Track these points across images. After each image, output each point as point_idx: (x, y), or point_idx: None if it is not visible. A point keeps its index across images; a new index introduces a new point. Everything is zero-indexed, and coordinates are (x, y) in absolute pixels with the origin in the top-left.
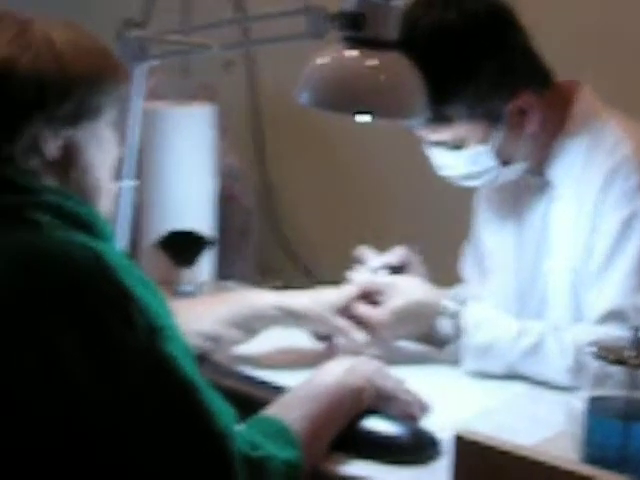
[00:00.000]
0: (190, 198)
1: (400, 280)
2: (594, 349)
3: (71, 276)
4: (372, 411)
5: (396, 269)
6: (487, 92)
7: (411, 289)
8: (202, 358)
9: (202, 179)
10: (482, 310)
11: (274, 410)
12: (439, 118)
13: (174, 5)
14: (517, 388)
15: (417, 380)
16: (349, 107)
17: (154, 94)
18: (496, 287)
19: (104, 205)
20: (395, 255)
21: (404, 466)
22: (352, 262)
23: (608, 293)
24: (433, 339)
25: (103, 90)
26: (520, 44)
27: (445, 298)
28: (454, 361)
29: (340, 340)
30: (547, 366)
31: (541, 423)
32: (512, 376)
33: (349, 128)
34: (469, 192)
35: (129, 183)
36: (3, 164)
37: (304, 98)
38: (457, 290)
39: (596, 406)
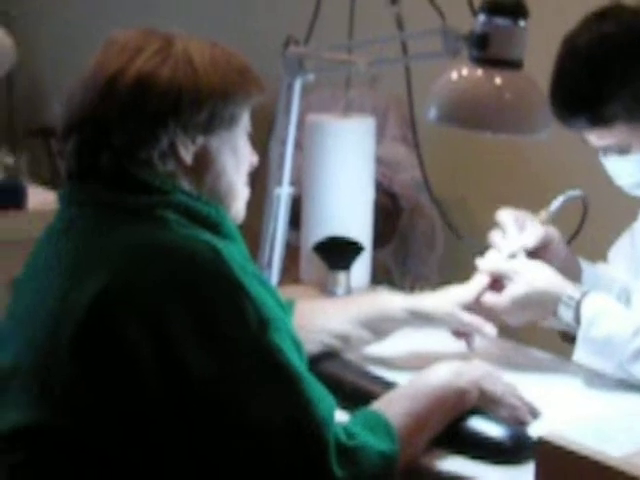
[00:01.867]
0: (348, 206)
1: (526, 266)
2: None
3: (190, 269)
4: (481, 413)
5: (533, 254)
6: None
7: (535, 276)
8: (332, 355)
9: (360, 189)
10: (602, 302)
11: (378, 405)
12: (599, 120)
13: (339, 22)
14: (633, 399)
15: (533, 385)
16: (475, 124)
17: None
18: None
19: (237, 207)
20: (533, 237)
21: (501, 466)
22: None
23: None
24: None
25: (235, 102)
26: None
27: (569, 287)
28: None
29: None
30: None
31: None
32: (630, 387)
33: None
34: None
35: (287, 190)
36: (141, 167)
37: (432, 114)
38: (597, 267)
39: None
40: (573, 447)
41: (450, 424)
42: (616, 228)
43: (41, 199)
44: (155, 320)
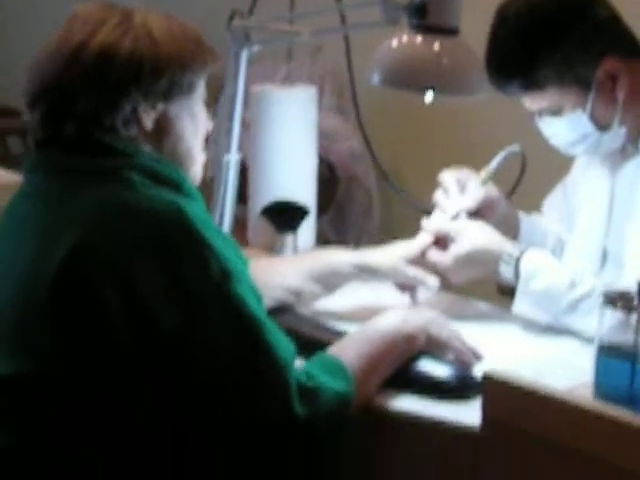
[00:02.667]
0: (293, 172)
1: (468, 227)
2: (605, 296)
3: (156, 225)
4: (428, 356)
5: (474, 213)
6: (573, 57)
7: (476, 236)
8: (285, 309)
9: (303, 156)
10: (539, 258)
11: (333, 350)
12: (532, 85)
13: None
14: (567, 341)
15: (476, 332)
16: (414, 86)
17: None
18: (581, 244)
19: (194, 170)
20: (473, 198)
21: (447, 402)
22: (436, 187)
23: None
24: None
25: (193, 70)
26: (605, 14)
27: (509, 245)
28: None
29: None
30: (586, 321)
31: (577, 372)
32: (566, 332)
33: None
34: None
35: (235, 156)
36: (106, 132)
37: (375, 78)
38: (532, 217)
39: (606, 350)
40: (516, 380)
41: (400, 367)
42: (552, 182)
43: (7, 178)
44: (124, 274)
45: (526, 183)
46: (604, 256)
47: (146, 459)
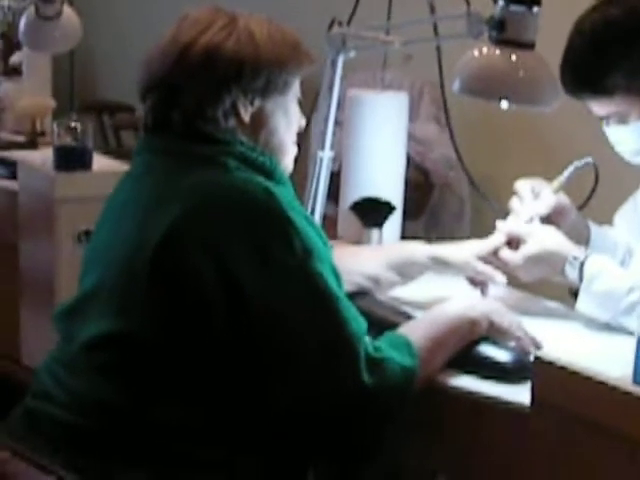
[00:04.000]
0: (382, 171)
1: (539, 230)
2: None
3: (247, 205)
4: (490, 341)
5: (546, 219)
6: None
7: (546, 238)
8: (364, 294)
9: (392, 157)
10: (602, 263)
11: (402, 329)
12: (601, 91)
13: (379, 6)
14: (625, 341)
15: (539, 325)
16: (490, 95)
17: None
18: None
19: (286, 161)
20: (546, 205)
21: (504, 384)
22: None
23: None
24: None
25: (288, 71)
26: None
27: (575, 249)
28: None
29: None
30: None
31: (629, 366)
32: (623, 331)
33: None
34: None
35: (328, 153)
36: (207, 122)
37: (456, 87)
38: (602, 228)
39: None
40: (563, 363)
41: (463, 349)
42: (625, 195)
43: (103, 164)
44: (217, 248)
45: (599, 195)
46: None
47: (229, 418)
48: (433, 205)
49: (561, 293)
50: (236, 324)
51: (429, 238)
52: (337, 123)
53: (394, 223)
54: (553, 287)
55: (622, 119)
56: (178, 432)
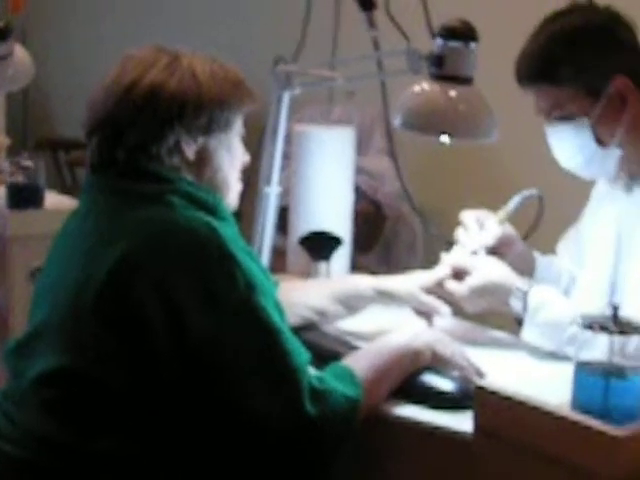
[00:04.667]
0: (329, 205)
1: (484, 261)
2: (582, 320)
3: (190, 242)
4: (433, 370)
5: (492, 248)
6: (591, 63)
7: (491, 271)
8: (311, 327)
9: (340, 191)
10: (545, 294)
11: (346, 360)
12: (550, 77)
13: (325, 44)
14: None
15: (485, 354)
16: (430, 130)
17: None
18: (589, 279)
19: (230, 197)
20: (491, 236)
21: (448, 412)
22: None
23: None
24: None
25: (230, 109)
26: (627, 37)
27: (519, 281)
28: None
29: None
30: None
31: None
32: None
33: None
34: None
35: (274, 189)
36: (151, 160)
37: (397, 122)
38: (547, 257)
39: (583, 368)
40: (505, 392)
41: (407, 379)
42: (568, 225)
43: (55, 201)
44: (162, 284)
45: (544, 226)
46: (612, 292)
47: (171, 452)
48: (386, 238)
49: (509, 322)
50: (181, 359)
51: (379, 271)
52: (286, 158)
53: (343, 256)
54: (501, 317)
55: (565, 114)
56: (121, 466)
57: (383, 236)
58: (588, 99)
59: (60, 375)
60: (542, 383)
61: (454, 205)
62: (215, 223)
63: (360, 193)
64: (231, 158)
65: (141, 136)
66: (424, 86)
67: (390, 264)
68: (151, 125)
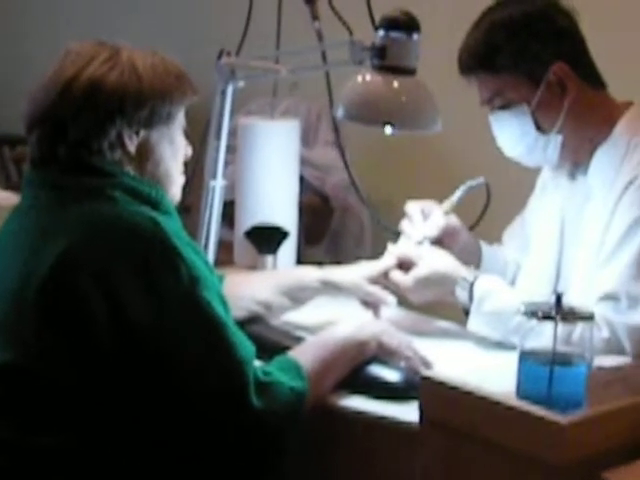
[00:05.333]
0: (275, 198)
1: (429, 252)
2: (526, 308)
3: (133, 236)
4: (379, 361)
5: (438, 239)
6: (529, 50)
7: (436, 261)
8: (257, 319)
9: (286, 182)
10: (491, 283)
11: (291, 353)
12: (489, 65)
13: (269, 36)
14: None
15: (432, 345)
16: (373, 121)
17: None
18: (534, 266)
19: (173, 191)
20: (436, 226)
21: (395, 403)
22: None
23: (607, 279)
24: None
25: (172, 102)
26: (565, 24)
27: (464, 271)
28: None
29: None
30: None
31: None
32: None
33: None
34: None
35: (219, 182)
36: (93, 155)
37: (340, 113)
38: (493, 248)
39: (527, 357)
40: (451, 381)
41: (353, 370)
42: (515, 213)
43: (3, 197)
44: (105, 279)
45: (492, 214)
46: (557, 279)
47: (117, 446)
48: (334, 229)
49: (458, 313)
50: (125, 353)
51: (327, 263)
52: (232, 151)
53: (290, 248)
54: (450, 307)
55: (506, 101)
56: (67, 461)
57: (331, 228)
58: (528, 86)
59: (3, 371)
60: (489, 373)
61: (402, 196)
62: (158, 217)
63: (307, 185)
64: (174, 151)
65: (82, 131)
66: (366, 77)
67: (339, 256)
68: (92, 119)
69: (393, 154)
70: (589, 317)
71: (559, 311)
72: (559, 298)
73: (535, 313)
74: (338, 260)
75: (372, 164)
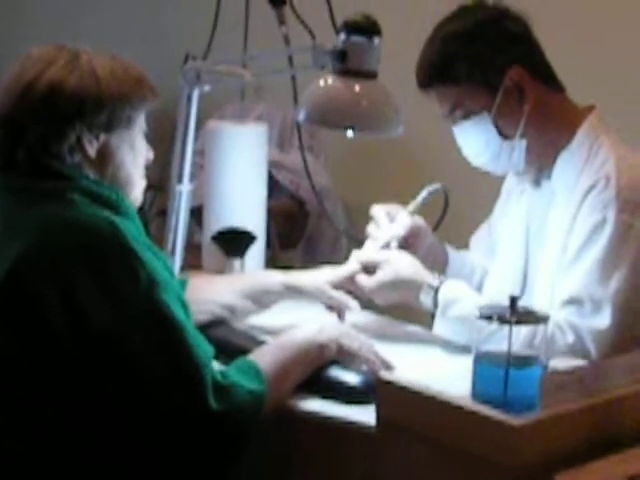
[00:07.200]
0: (243, 201)
1: (394, 256)
2: (482, 311)
3: (91, 239)
4: (339, 364)
5: (404, 240)
6: (483, 58)
7: (401, 266)
8: (221, 323)
9: (254, 186)
10: (456, 289)
11: (251, 355)
12: (445, 77)
13: (236, 41)
14: None
15: (396, 349)
16: (335, 124)
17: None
18: (500, 270)
19: (134, 194)
20: (403, 227)
21: (354, 405)
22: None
23: (571, 283)
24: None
25: (132, 105)
26: (517, 29)
27: (429, 276)
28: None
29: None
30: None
31: None
32: None
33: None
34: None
35: (186, 187)
36: (52, 159)
37: (301, 116)
38: (460, 253)
39: (483, 359)
40: (406, 383)
41: (313, 372)
42: (475, 217)
43: None
44: (63, 280)
45: (452, 219)
46: (523, 285)
47: (79, 445)
48: (309, 234)
49: (425, 317)
50: (83, 356)
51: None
52: (199, 153)
53: (258, 252)
54: (417, 311)
55: (467, 112)
56: (27, 466)
57: (306, 233)
58: (487, 94)
59: None
60: (452, 376)
61: (377, 200)
62: (117, 220)
63: (283, 190)
64: (134, 155)
65: (41, 134)
66: (328, 81)
67: (315, 260)
68: (51, 123)
69: (369, 158)
70: (544, 319)
71: (514, 314)
72: (513, 301)
73: (490, 316)
74: (314, 264)
75: (348, 168)
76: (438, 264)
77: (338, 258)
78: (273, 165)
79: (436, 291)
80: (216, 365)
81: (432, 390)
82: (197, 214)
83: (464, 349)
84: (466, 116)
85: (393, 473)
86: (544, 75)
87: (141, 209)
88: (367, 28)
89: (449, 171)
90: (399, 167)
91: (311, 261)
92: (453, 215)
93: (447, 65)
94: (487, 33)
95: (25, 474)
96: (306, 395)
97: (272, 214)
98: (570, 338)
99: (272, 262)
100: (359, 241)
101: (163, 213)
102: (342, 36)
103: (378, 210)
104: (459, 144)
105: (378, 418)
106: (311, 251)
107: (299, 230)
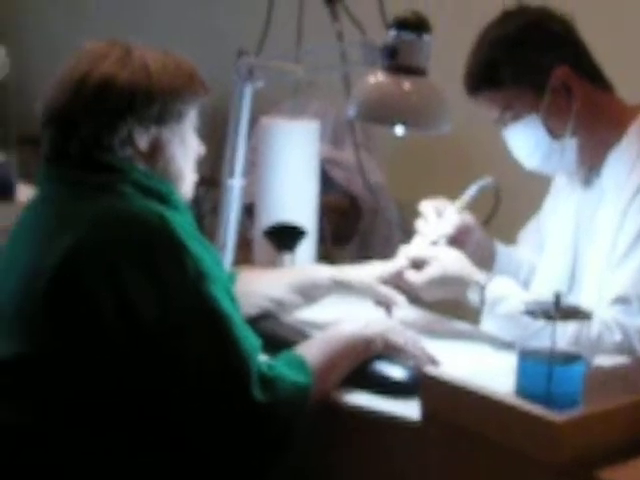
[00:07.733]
0: (295, 197)
1: (443, 253)
2: (527, 307)
3: (140, 230)
4: (385, 358)
5: (452, 237)
6: (529, 60)
7: (449, 263)
8: (269, 316)
9: (305, 182)
10: (503, 287)
11: (298, 348)
12: (492, 81)
13: (288, 37)
14: None
15: (443, 345)
16: (384, 120)
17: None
18: (548, 267)
19: (185, 188)
20: (450, 224)
21: (400, 399)
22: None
23: (619, 282)
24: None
25: (183, 100)
26: (558, 29)
27: (477, 274)
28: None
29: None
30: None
31: None
32: None
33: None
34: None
35: (238, 182)
36: (104, 152)
37: (352, 113)
38: (508, 248)
39: (527, 355)
40: (451, 379)
41: (359, 367)
42: (526, 214)
43: (29, 194)
44: (113, 273)
45: (501, 215)
46: (572, 283)
47: (124, 436)
48: (362, 230)
49: (473, 314)
50: (132, 347)
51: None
52: (253, 149)
53: (309, 247)
54: (465, 308)
55: (516, 114)
56: (73, 458)
57: (360, 228)
58: (534, 95)
59: (12, 363)
60: (498, 372)
61: (429, 196)
62: (167, 212)
63: (336, 186)
64: (185, 149)
65: (93, 128)
66: (378, 77)
67: (368, 256)
68: (103, 117)
69: (424, 155)
70: (588, 315)
71: (558, 310)
72: (558, 297)
73: (534, 312)
74: (368, 260)
75: (402, 166)
76: (486, 259)
77: (391, 254)
78: (327, 162)
79: (483, 288)
80: (263, 357)
81: (475, 385)
82: (249, 211)
83: (510, 346)
84: (515, 118)
85: (435, 467)
86: (591, 74)
87: (194, 203)
88: (417, 25)
89: (500, 167)
90: (450, 163)
91: (364, 257)
92: (504, 210)
93: (493, 70)
94: (531, 36)
95: (74, 466)
96: (351, 389)
97: (325, 210)
98: (618, 337)
99: (325, 258)
100: (412, 237)
101: (215, 209)
102: (392, 32)
103: (426, 206)
104: (510, 147)
105: (422, 413)
106: (364, 247)
107: (352, 226)
